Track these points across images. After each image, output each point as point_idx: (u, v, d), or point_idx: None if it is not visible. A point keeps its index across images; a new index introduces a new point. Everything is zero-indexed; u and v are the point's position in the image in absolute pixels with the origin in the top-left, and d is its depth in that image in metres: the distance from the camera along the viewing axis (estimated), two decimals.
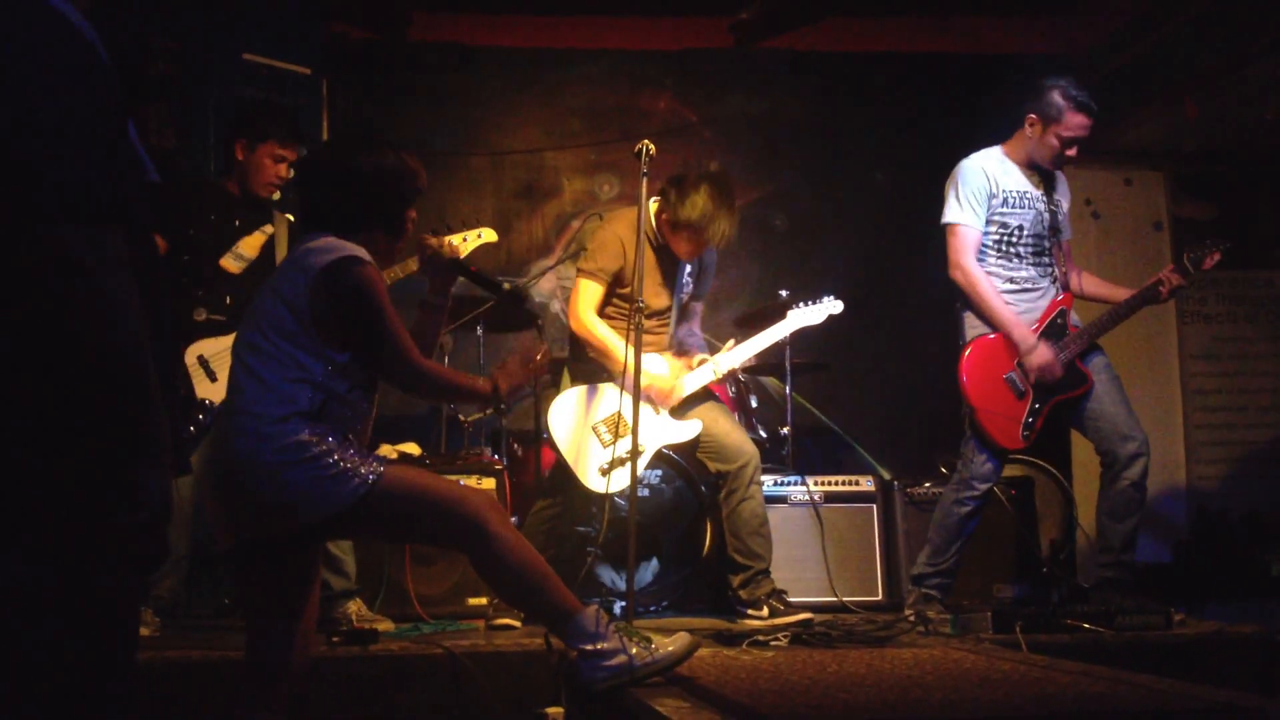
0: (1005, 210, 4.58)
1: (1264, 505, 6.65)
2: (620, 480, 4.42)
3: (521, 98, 7.12)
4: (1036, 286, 4.62)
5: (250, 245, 4.39)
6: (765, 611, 4.41)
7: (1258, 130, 6.50)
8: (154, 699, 3.32)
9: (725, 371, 4.66)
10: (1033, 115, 4.60)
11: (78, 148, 1.57)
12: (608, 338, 4.51)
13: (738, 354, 4.66)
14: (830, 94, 7.20)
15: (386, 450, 3.03)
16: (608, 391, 4.56)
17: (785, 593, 4.53)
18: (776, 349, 5.09)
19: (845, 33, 7.16)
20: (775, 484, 5.25)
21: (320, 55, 6.05)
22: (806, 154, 7.06)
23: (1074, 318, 4.63)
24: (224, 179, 4.49)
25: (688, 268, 4.71)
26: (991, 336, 4.56)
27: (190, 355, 4.16)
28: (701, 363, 4.65)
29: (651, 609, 5.10)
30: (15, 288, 1.51)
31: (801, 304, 4.82)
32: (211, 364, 4.17)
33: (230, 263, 4.33)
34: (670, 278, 4.67)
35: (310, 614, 2.90)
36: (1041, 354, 4.48)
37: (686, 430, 4.58)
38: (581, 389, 4.60)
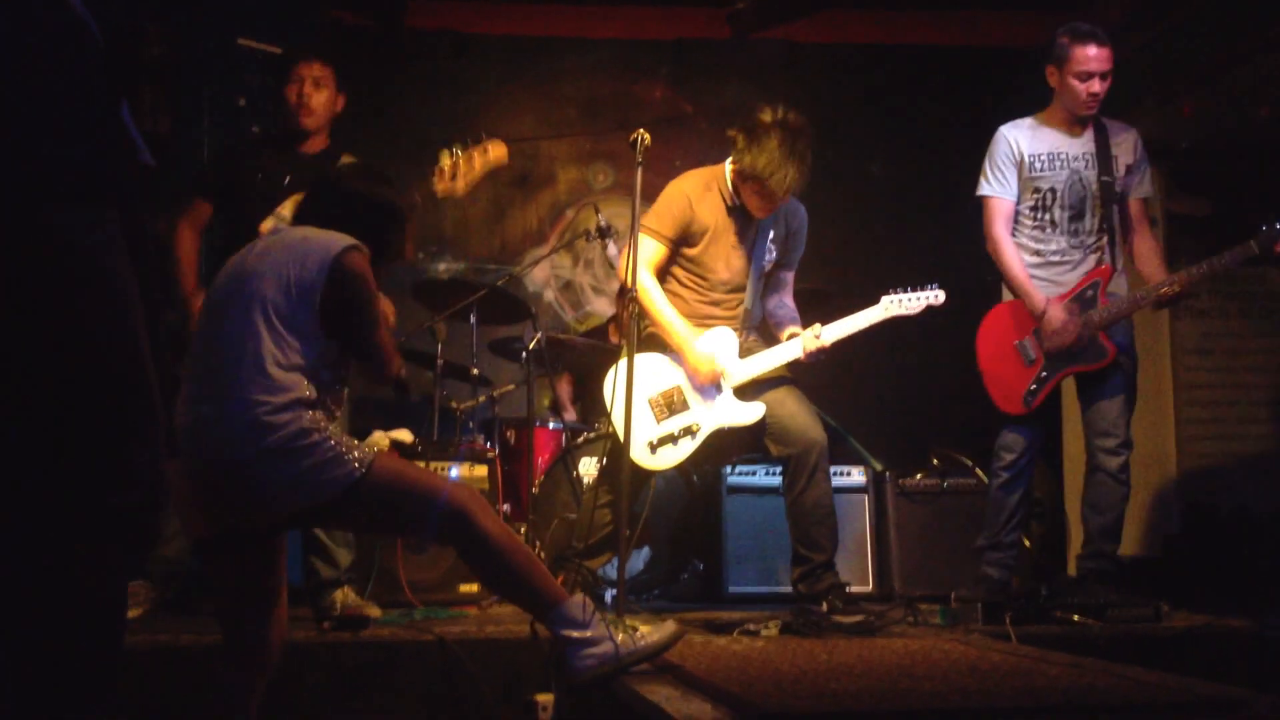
0: (1035, 175, 4.55)
1: (1254, 500, 6.66)
2: (667, 458, 4.28)
3: (517, 86, 7.11)
4: (1066, 259, 4.53)
5: (294, 204, 4.23)
6: (824, 608, 4.11)
7: (1252, 127, 6.51)
8: (141, 682, 3.32)
9: (819, 347, 4.24)
10: (1050, 67, 4.59)
11: (71, 125, 1.56)
12: (660, 306, 4.24)
13: (833, 330, 4.28)
14: (826, 86, 7.19)
15: (379, 436, 3.00)
16: (667, 363, 4.33)
17: (847, 586, 4.32)
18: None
19: (842, 24, 7.15)
20: (766, 474, 5.25)
21: (316, 41, 6.03)
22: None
23: (1113, 289, 4.49)
24: (292, 138, 4.40)
25: (770, 233, 4.38)
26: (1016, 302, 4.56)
27: None
28: (791, 337, 4.33)
29: (643, 598, 5.10)
30: (9, 266, 1.50)
31: (897, 291, 4.35)
32: None
33: (268, 225, 4.01)
34: (747, 243, 4.36)
35: (282, 598, 2.89)
36: (1053, 318, 4.42)
37: (748, 413, 4.26)
38: (643, 356, 4.23)
